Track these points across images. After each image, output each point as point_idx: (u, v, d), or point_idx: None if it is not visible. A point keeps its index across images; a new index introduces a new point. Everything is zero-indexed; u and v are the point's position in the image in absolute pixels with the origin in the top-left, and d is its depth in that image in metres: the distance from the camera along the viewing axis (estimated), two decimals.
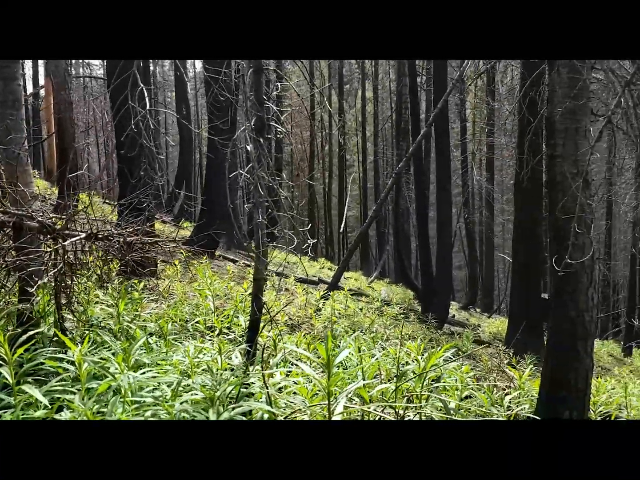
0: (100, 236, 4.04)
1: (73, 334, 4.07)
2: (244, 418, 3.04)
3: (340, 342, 5.40)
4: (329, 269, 19.51)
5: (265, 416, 3.08)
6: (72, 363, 3.11)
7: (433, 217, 17.88)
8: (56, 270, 3.69)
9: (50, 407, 2.84)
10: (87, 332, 4.12)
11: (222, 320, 5.24)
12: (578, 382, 4.36)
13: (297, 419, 3.09)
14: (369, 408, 3.11)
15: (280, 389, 3.55)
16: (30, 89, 26.66)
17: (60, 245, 3.70)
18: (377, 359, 4.15)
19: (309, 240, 3.83)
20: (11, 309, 3.83)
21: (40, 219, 3.80)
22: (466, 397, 4.17)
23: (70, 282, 3.99)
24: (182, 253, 6.71)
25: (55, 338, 3.77)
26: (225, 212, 11.86)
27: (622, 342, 18.11)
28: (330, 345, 2.58)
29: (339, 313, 8.40)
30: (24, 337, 3.26)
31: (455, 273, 28.49)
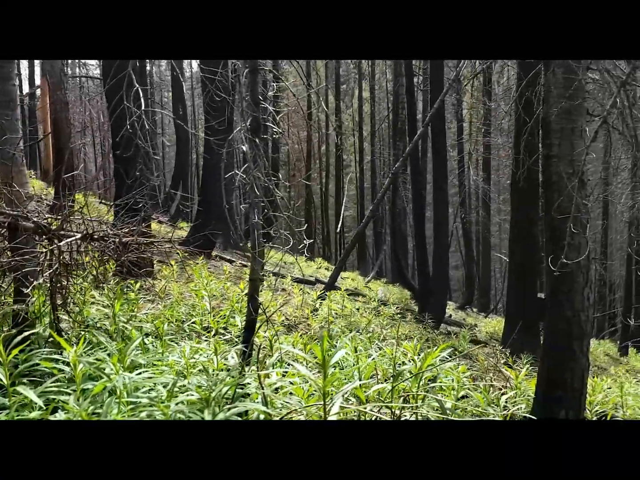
0: (95, 237, 4.03)
1: (69, 334, 4.06)
2: (239, 419, 3.04)
3: (336, 342, 5.40)
4: (326, 268, 19.52)
5: (261, 417, 3.07)
6: (68, 364, 3.10)
7: (430, 217, 17.87)
8: (51, 270, 3.68)
9: (45, 408, 2.83)
10: (82, 332, 4.11)
11: (218, 321, 5.24)
12: (574, 381, 4.36)
13: (294, 419, 3.09)
14: (365, 408, 3.11)
15: (276, 389, 3.55)
16: (26, 89, 26.62)
17: (55, 245, 3.69)
18: (373, 359, 4.15)
19: (305, 241, 3.83)
20: (6, 310, 3.82)
21: (35, 219, 3.79)
22: (462, 397, 4.18)
23: (65, 282, 3.98)
24: (178, 253, 6.70)
25: (51, 339, 3.75)
26: (221, 212, 11.85)
27: (618, 342, 18.17)
28: (325, 345, 2.57)
29: (336, 313, 8.40)
30: (19, 337, 3.24)
31: (452, 273, 28.53)
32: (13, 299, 3.88)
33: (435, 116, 12.40)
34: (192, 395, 3.00)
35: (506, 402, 4.13)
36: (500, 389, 5.04)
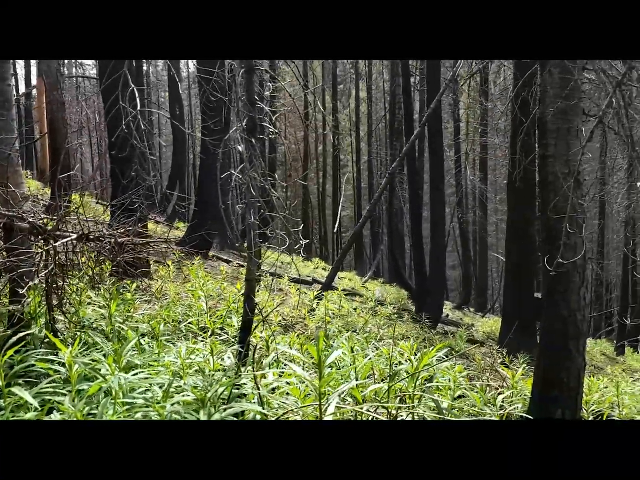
0: (91, 237, 4.02)
1: (64, 335, 4.05)
2: (235, 419, 3.03)
3: (333, 342, 5.39)
4: (323, 268, 19.52)
5: (257, 417, 3.07)
6: (63, 365, 3.09)
7: (427, 216, 17.91)
8: (47, 271, 3.67)
9: (40, 409, 2.82)
10: (78, 333, 4.10)
11: (215, 321, 5.23)
12: (570, 381, 4.37)
13: (290, 419, 3.09)
14: (361, 408, 3.11)
15: (273, 389, 3.54)
16: (22, 88, 26.55)
17: (51, 246, 3.68)
18: (370, 359, 4.15)
19: (301, 241, 3.83)
20: (2, 311, 3.81)
21: (31, 219, 3.78)
22: (459, 397, 4.18)
23: (61, 283, 3.97)
24: (174, 254, 6.69)
25: (46, 339, 3.74)
26: (217, 212, 11.83)
27: (614, 341, 18.20)
28: (321, 345, 2.57)
29: (333, 313, 8.40)
30: (15, 338, 3.24)
31: (449, 272, 28.58)
32: (8, 300, 3.87)
33: (432, 116, 12.41)
34: (188, 395, 3.00)
35: (502, 401, 4.13)
36: (497, 389, 5.04)
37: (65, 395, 2.92)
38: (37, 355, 3.41)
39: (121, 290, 5.33)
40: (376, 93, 30.79)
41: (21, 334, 3.43)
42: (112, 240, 4.10)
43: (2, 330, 3.55)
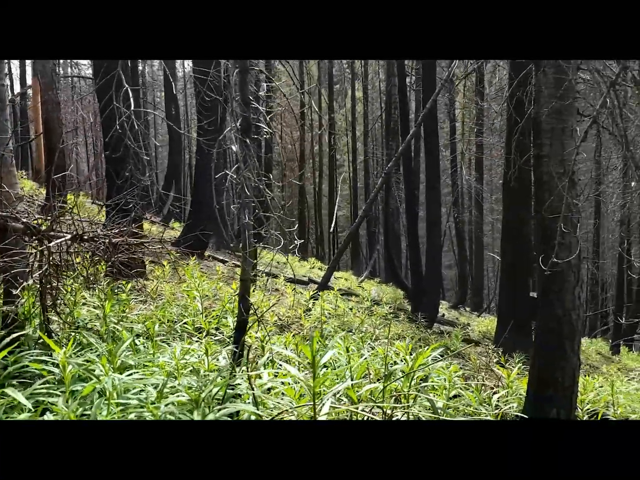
0: (85, 237, 4.00)
1: (59, 335, 4.03)
2: (229, 419, 3.03)
3: (329, 342, 5.39)
4: (319, 268, 19.51)
5: (252, 418, 3.06)
6: (57, 365, 3.08)
7: (423, 216, 17.88)
8: (41, 271, 3.65)
9: (34, 410, 2.81)
10: (72, 334, 4.08)
11: (210, 322, 5.22)
12: (565, 380, 4.38)
13: (284, 419, 3.08)
14: (356, 408, 3.11)
15: (268, 389, 3.54)
16: (17, 88, 26.43)
17: (45, 246, 3.67)
18: (365, 358, 4.15)
19: (296, 241, 3.82)
20: None
21: (25, 220, 3.76)
22: (454, 397, 4.18)
23: (55, 283, 3.95)
24: (169, 254, 6.67)
25: (41, 340, 3.73)
26: (212, 212, 11.83)
27: (610, 340, 18.25)
28: (315, 346, 2.57)
29: (329, 313, 8.39)
30: (8, 339, 3.22)
31: (445, 272, 28.58)
32: (2, 300, 3.85)
33: (427, 116, 12.42)
34: (182, 396, 2.99)
35: (498, 401, 4.14)
36: (492, 388, 5.05)
37: (59, 396, 2.91)
38: (31, 356, 3.40)
39: (116, 290, 5.31)
40: (372, 93, 30.82)
41: (15, 335, 3.41)
42: (107, 240, 4.09)
43: None
